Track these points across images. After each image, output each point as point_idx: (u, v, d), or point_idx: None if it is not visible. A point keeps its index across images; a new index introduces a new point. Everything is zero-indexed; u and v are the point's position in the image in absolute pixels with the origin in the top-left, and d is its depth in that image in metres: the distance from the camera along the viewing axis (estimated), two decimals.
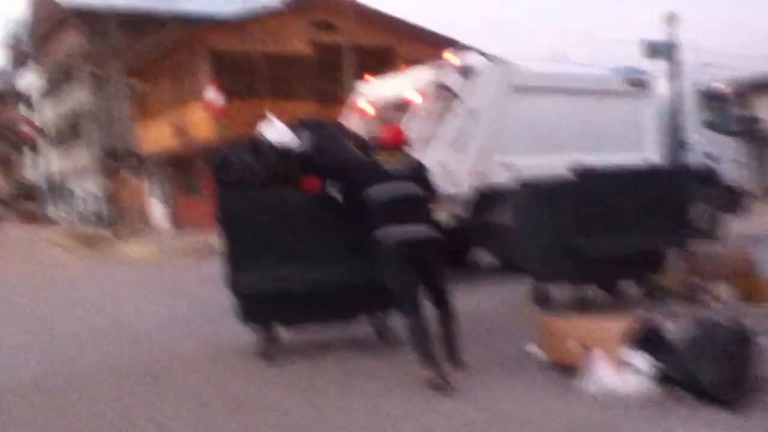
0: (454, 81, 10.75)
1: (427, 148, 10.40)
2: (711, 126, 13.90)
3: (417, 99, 10.92)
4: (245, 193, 6.26)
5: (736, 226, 14.06)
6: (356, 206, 5.78)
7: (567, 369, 5.21)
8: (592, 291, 8.04)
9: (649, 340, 4.95)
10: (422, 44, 23.47)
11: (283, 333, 6.75)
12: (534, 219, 8.09)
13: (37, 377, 6.39)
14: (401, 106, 11.46)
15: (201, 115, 24.66)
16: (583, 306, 7.65)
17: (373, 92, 12.32)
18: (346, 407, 5.07)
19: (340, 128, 7.01)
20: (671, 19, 10.60)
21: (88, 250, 22.09)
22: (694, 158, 13.40)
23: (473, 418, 4.68)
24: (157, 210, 31.71)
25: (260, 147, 6.39)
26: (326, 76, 25.40)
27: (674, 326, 5.28)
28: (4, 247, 28.16)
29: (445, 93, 10.77)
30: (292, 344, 6.83)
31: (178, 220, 29.94)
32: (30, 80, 52.10)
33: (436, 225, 5.77)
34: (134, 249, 20.31)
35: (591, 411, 4.63)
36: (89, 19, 32.65)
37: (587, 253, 7.56)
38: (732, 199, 13.93)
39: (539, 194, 8.00)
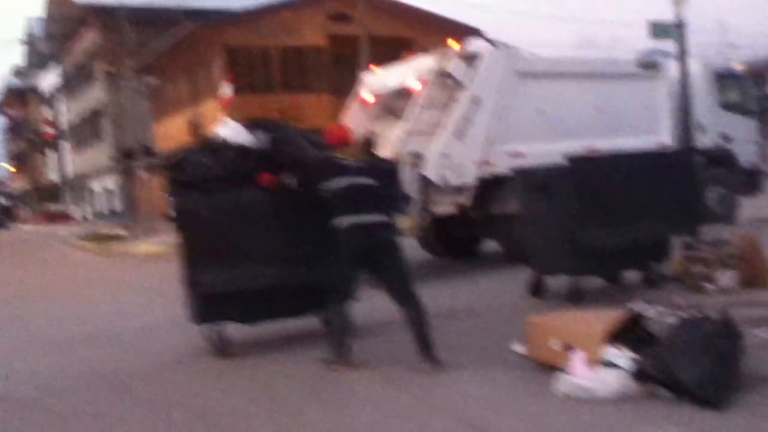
0: (457, 68, 10.52)
1: (431, 138, 10.21)
2: (726, 107, 13.55)
3: (417, 87, 10.71)
4: (201, 193, 6.26)
5: (752, 208, 13.65)
6: (312, 201, 5.85)
7: (550, 369, 4.96)
8: (591, 280, 7.79)
9: (633, 334, 4.72)
10: (443, 34, 23.00)
11: (243, 328, 6.70)
12: (531, 208, 7.87)
13: (6, 388, 6.19)
14: (403, 95, 11.27)
15: (216, 110, 24.66)
16: (580, 296, 7.38)
17: (377, 82, 12.13)
18: (308, 415, 4.84)
19: (295, 129, 7.21)
20: None
21: (99, 249, 22.21)
22: (710, 140, 13.08)
23: (432, 424, 4.47)
24: None
25: (216, 147, 6.52)
26: (342, 68, 25.19)
27: (663, 318, 5.03)
28: (16, 246, 28.50)
29: (448, 81, 10.57)
30: (252, 340, 6.79)
31: None
32: (50, 80, 52.65)
33: (393, 218, 5.87)
34: (145, 247, 20.36)
35: (561, 412, 4.39)
36: (104, 16, 32.78)
37: (587, 244, 7.31)
38: (749, 181, 13.58)
39: (535, 183, 7.75)
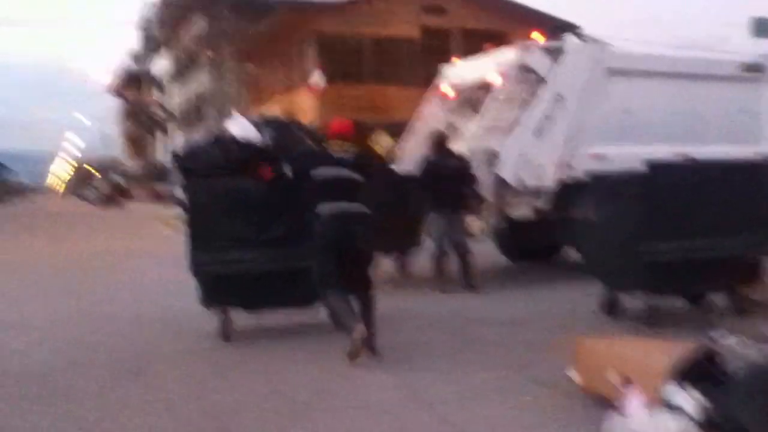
0: (539, 63, 9.90)
1: (508, 136, 9.64)
2: None
3: (498, 81, 10.13)
4: (208, 180, 6.65)
5: None
6: (305, 190, 6.18)
7: (603, 401, 4.38)
8: (672, 301, 7.08)
9: (703, 374, 4.07)
10: (537, 28, 22.32)
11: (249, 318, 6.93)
12: (603, 217, 7.19)
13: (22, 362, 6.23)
14: (482, 89, 10.70)
15: (307, 98, 24.62)
16: (656, 319, 6.69)
17: (457, 75, 11.63)
18: (313, 421, 4.52)
19: (300, 126, 7.73)
20: None
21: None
22: None
23: None
24: None
25: (224, 140, 6.96)
26: (433, 60, 24.62)
27: (745, 354, 4.34)
28: (111, 222, 29.18)
29: (529, 76, 9.96)
30: (256, 329, 6.98)
31: None
32: (161, 64, 54.25)
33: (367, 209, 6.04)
34: None
35: None
36: (207, 3, 33.33)
37: (661, 258, 6.61)
38: None
39: (608, 189, 7.09)
